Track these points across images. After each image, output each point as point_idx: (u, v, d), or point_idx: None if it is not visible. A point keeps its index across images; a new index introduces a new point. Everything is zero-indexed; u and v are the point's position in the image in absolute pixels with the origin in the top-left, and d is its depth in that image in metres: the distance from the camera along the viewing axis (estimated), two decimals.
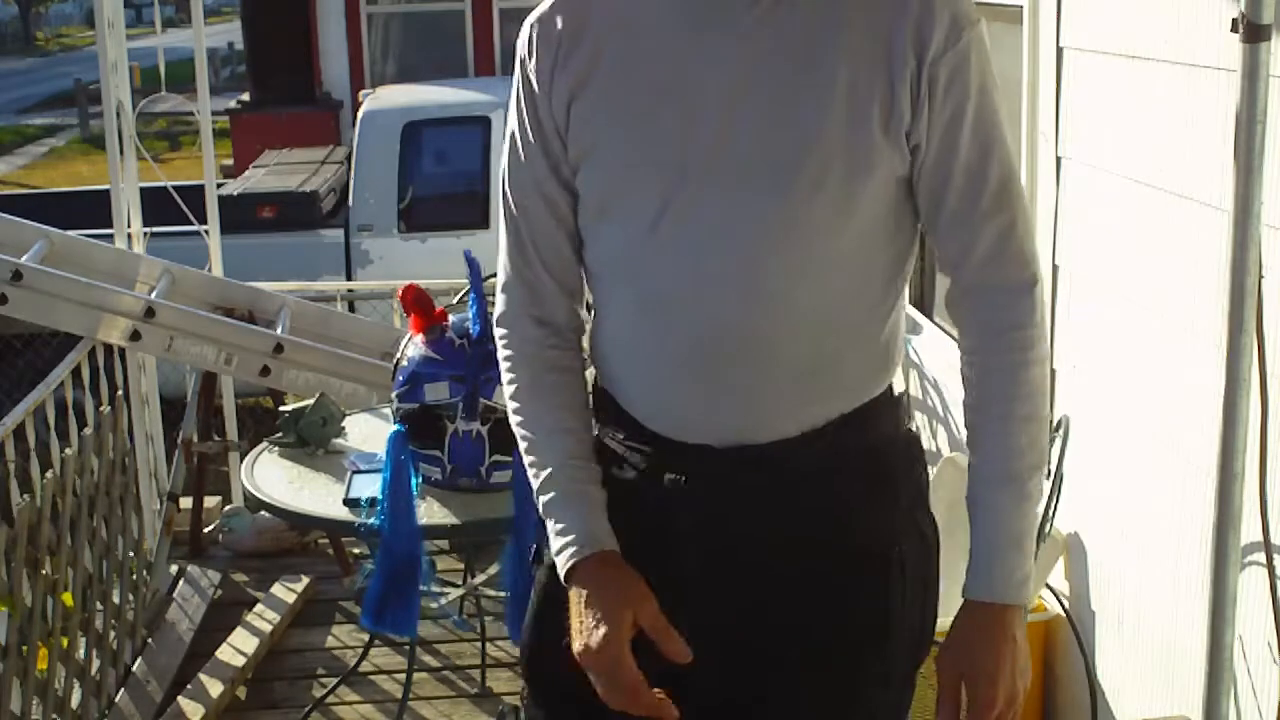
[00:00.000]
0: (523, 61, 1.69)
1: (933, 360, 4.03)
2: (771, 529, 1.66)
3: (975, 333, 1.68)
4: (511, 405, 1.75)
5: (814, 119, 1.57)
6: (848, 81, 1.57)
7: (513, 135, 1.72)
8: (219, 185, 5.93)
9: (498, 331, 1.77)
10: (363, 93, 9.06)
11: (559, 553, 1.64)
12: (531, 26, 1.69)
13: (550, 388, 1.73)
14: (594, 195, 1.67)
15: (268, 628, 4.11)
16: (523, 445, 1.73)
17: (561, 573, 1.63)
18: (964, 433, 1.70)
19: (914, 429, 1.79)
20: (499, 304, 1.77)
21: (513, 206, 1.74)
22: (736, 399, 1.64)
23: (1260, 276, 2.06)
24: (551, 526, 1.66)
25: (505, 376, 1.76)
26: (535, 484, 1.69)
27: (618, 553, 1.64)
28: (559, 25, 1.66)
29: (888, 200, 1.62)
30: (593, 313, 1.77)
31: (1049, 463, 2.63)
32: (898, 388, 1.75)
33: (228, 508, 4.97)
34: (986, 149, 1.62)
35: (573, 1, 1.68)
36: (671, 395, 1.66)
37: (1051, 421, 3.09)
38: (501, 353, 1.77)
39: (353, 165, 7.89)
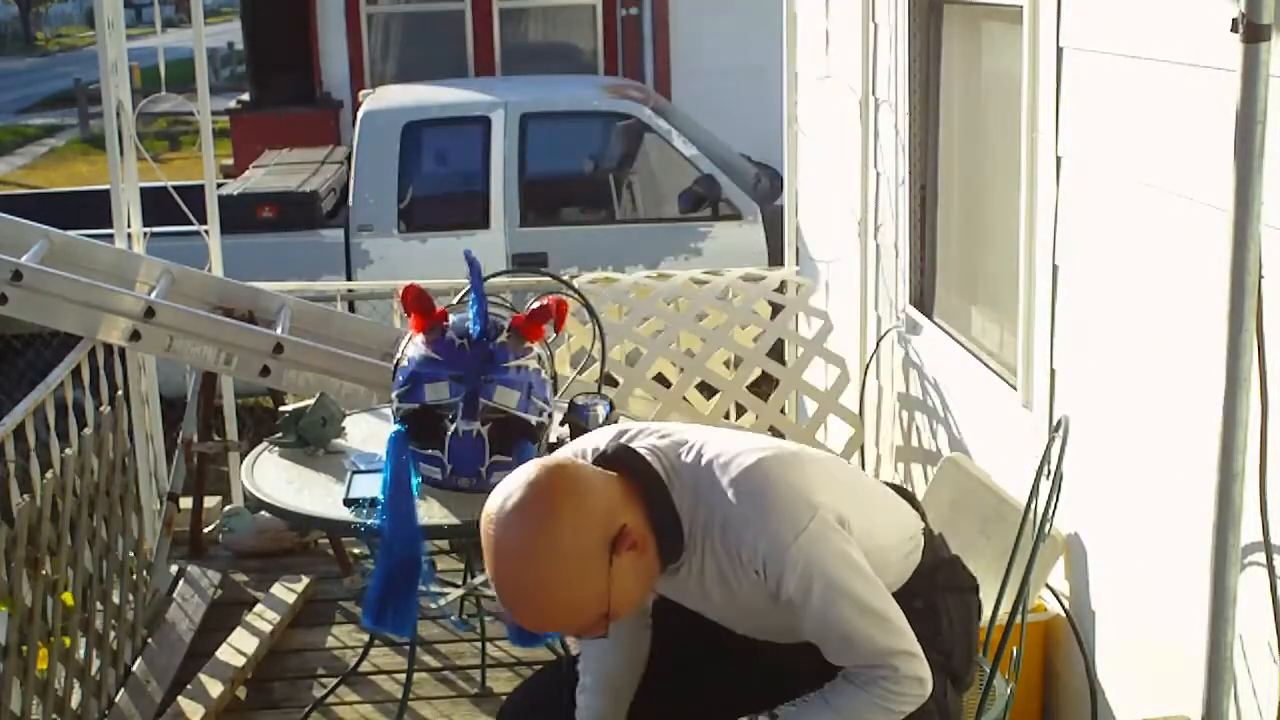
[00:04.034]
0: None
1: (933, 360, 4.02)
2: None
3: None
4: None
5: None
6: None
7: None
8: (219, 185, 5.92)
9: None
10: (363, 93, 9.03)
11: None
12: None
13: None
14: None
15: (268, 628, 4.11)
16: None
17: None
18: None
19: None
20: None
21: None
22: None
23: (1260, 276, 2.06)
24: None
25: None
26: None
27: None
28: None
29: None
30: None
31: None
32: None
33: (228, 508, 4.96)
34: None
35: None
36: None
37: (1052, 421, 3.09)
38: None
39: (353, 165, 7.87)
